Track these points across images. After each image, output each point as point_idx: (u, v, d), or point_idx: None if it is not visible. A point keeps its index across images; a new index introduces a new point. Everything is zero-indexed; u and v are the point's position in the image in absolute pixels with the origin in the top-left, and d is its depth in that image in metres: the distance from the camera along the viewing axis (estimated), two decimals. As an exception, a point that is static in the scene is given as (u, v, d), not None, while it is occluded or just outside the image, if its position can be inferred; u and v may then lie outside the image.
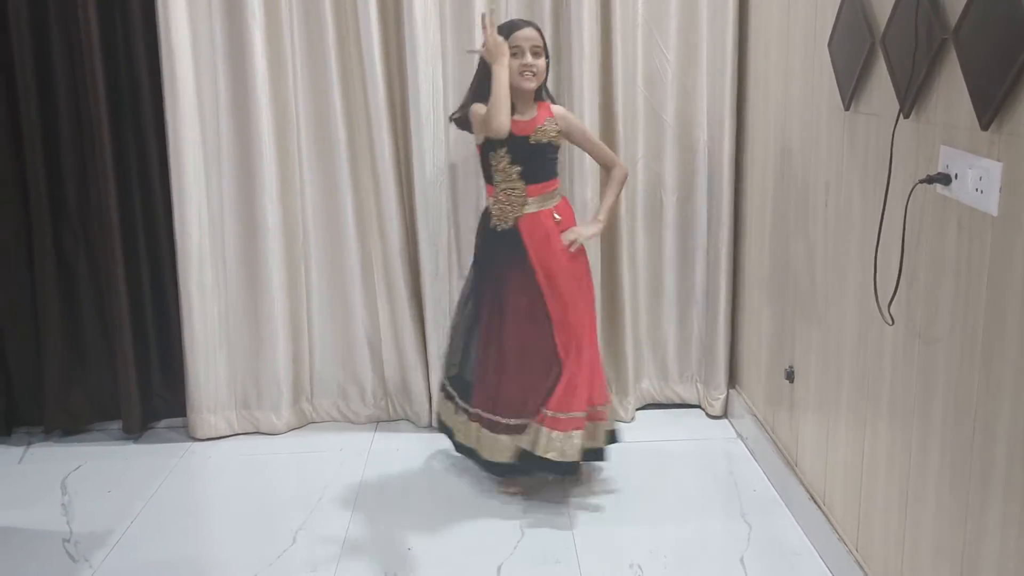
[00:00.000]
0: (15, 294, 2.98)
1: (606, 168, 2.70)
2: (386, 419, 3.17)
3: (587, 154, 2.76)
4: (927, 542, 1.74)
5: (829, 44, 2.13)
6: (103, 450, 2.98)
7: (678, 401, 3.23)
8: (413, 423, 3.13)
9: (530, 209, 2.53)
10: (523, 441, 2.53)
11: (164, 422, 3.15)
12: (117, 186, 2.88)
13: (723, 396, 3.11)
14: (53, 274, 2.94)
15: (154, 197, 2.96)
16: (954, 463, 1.62)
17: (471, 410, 2.62)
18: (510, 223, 2.53)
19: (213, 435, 3.04)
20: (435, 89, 2.88)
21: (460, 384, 2.69)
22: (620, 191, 2.71)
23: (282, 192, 2.96)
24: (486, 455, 2.59)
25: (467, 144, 2.91)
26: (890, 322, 1.80)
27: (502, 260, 2.56)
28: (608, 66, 2.90)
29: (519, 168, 2.50)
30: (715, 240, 3.03)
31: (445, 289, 3.01)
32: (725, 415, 3.12)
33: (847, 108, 2.05)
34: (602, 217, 2.65)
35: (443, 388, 2.77)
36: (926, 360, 1.72)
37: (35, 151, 2.85)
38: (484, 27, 2.40)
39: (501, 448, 2.56)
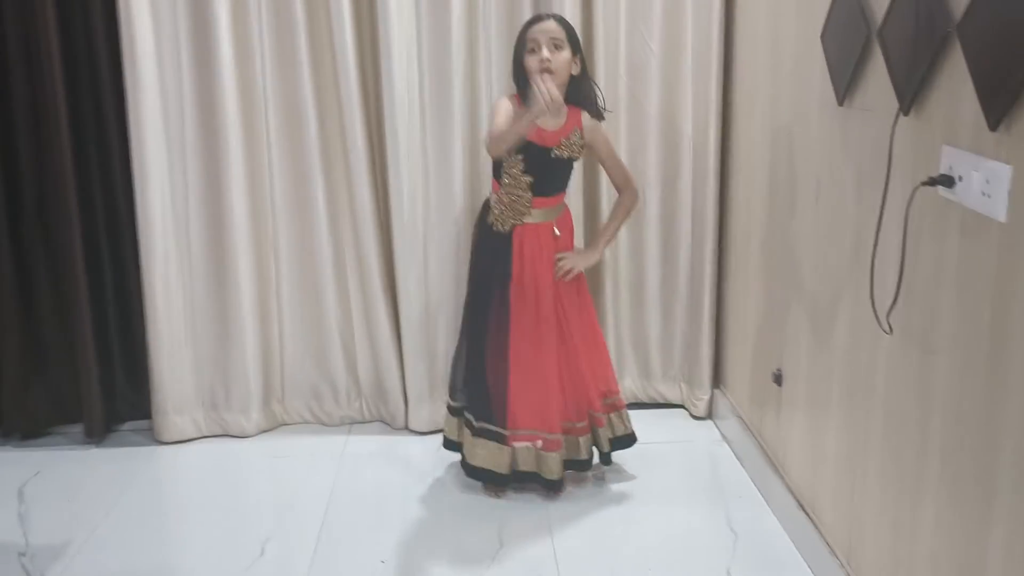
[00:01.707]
0: (-31, 292, 2.84)
1: (617, 189, 2.59)
2: (360, 420, 3.07)
3: (604, 170, 2.66)
4: (923, 558, 1.66)
5: (822, 36, 2.04)
6: (63, 455, 2.86)
7: (661, 401, 3.15)
8: (388, 424, 3.03)
9: (531, 220, 2.44)
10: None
11: (128, 424, 3.03)
12: (76, 179, 2.74)
13: (707, 396, 3.03)
14: (10, 271, 2.81)
15: (115, 189, 2.82)
16: (955, 477, 1.54)
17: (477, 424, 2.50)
18: (507, 228, 2.43)
19: (180, 438, 2.92)
20: (410, 75, 2.76)
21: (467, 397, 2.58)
22: (626, 218, 2.61)
23: (250, 183, 2.84)
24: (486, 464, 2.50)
25: (444, 135, 2.82)
26: (888, 331, 1.71)
27: (492, 261, 2.47)
28: (589, 55, 2.79)
29: (531, 179, 2.40)
30: (700, 235, 2.95)
31: (421, 285, 2.90)
32: (710, 416, 3.04)
33: (841, 103, 1.96)
34: (601, 245, 2.57)
35: (449, 406, 2.65)
36: (924, 370, 1.64)
37: (-12, 142, 2.71)
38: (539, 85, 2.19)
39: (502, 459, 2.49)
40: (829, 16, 1.99)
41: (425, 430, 2.96)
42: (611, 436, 2.61)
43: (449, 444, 2.65)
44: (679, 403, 3.13)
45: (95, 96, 2.76)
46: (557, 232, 2.47)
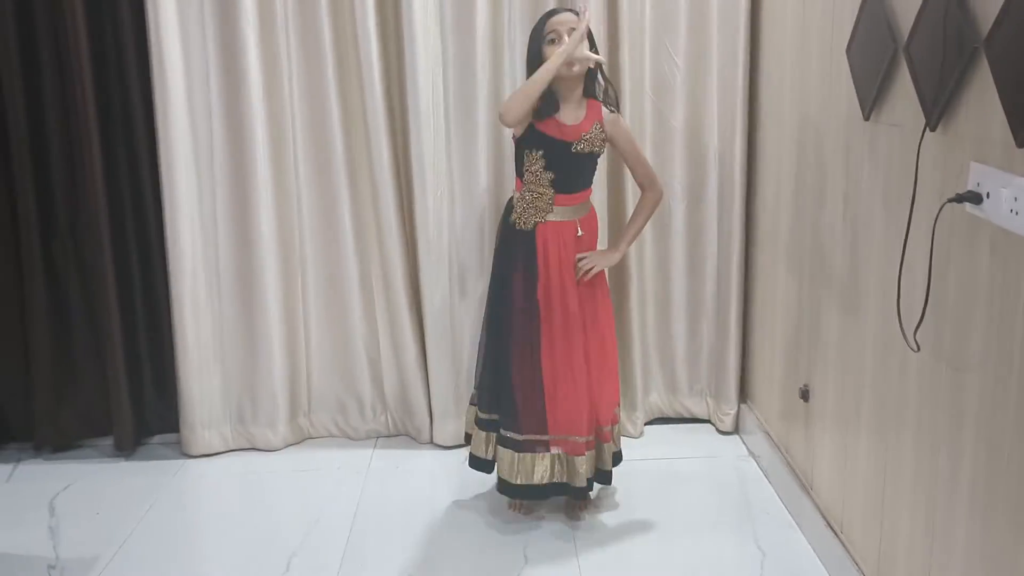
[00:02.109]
0: (3, 309, 2.89)
1: (641, 187, 2.53)
2: (385, 434, 3.08)
3: (627, 167, 2.60)
4: (955, 582, 1.63)
5: (847, 50, 2.02)
6: (94, 468, 2.90)
7: (687, 415, 3.13)
8: (413, 438, 3.04)
9: (553, 217, 2.40)
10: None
11: (157, 438, 3.07)
12: (107, 198, 2.79)
13: (734, 411, 3.01)
14: (42, 288, 2.85)
15: (145, 208, 2.86)
16: (987, 498, 1.52)
17: (508, 434, 2.45)
18: (530, 225, 2.41)
19: (207, 451, 2.95)
20: (435, 95, 2.78)
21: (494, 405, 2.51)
22: (650, 217, 2.55)
23: (277, 202, 2.87)
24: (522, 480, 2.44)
25: (469, 152, 2.84)
26: (916, 349, 1.69)
27: (515, 259, 2.43)
28: (615, 71, 2.80)
29: (552, 175, 2.37)
30: (726, 249, 2.93)
31: (446, 301, 2.91)
32: (736, 431, 3.02)
33: (867, 118, 1.94)
34: (623, 246, 2.52)
35: (477, 418, 2.57)
36: (955, 389, 1.61)
37: (23, 163, 2.75)
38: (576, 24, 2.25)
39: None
40: (855, 31, 1.98)
41: (451, 444, 2.96)
42: (615, 450, 2.56)
43: (476, 463, 2.56)
44: (705, 418, 3.11)
45: (126, 118, 2.80)
46: (580, 232, 2.42)
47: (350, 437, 3.06)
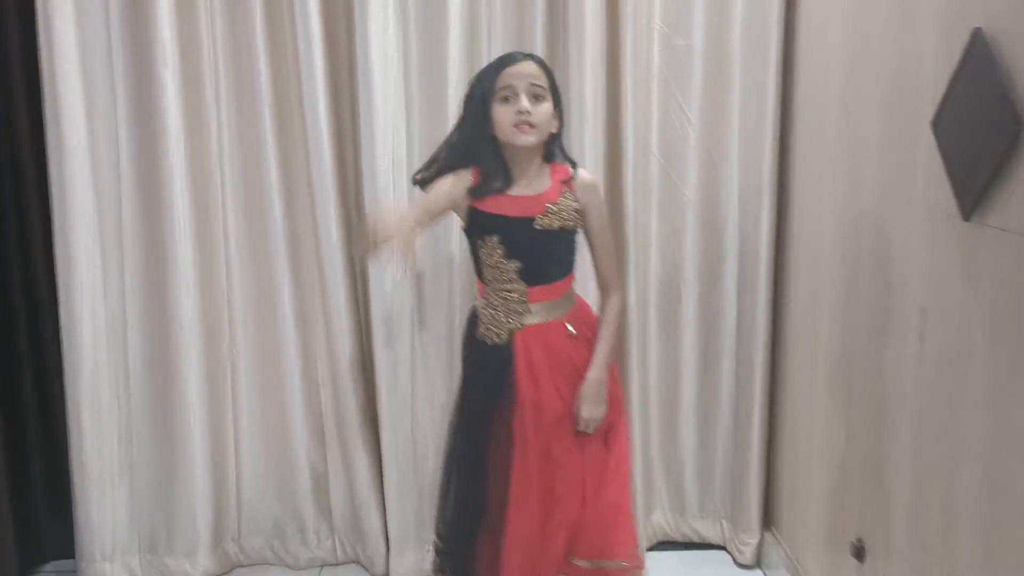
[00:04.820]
0: None
1: (602, 288, 2.00)
2: (332, 563, 2.55)
3: (589, 251, 2.01)
4: None
5: (935, 123, 1.52)
6: (-34, 609, 2.34)
7: (697, 540, 2.61)
8: (365, 568, 2.52)
9: (532, 319, 1.90)
10: None
11: (51, 565, 2.53)
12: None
13: (756, 541, 2.49)
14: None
15: (37, 289, 2.37)
16: None
17: None
18: (504, 336, 1.90)
19: (111, 587, 2.41)
20: (396, 153, 2.30)
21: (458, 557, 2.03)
22: (618, 331, 2.00)
23: (201, 281, 2.37)
24: None
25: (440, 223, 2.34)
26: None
27: (489, 382, 1.93)
28: (615, 127, 2.33)
29: (517, 264, 1.87)
30: (747, 345, 2.44)
31: (406, 403, 2.40)
32: (758, 564, 2.50)
33: (967, 218, 1.44)
34: (602, 373, 1.93)
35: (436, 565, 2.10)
36: None
37: None
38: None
39: None
40: (948, 98, 1.48)
41: (410, 578, 2.44)
42: None
43: None
44: (720, 544, 2.59)
45: (15, 179, 2.32)
46: (571, 330, 1.92)
47: (289, 566, 2.54)
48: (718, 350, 2.49)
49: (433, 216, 1.89)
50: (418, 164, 2.29)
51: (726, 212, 2.42)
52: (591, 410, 1.90)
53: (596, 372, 1.91)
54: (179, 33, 2.23)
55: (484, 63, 2.27)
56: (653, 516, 2.60)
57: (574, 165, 1.95)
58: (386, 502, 2.45)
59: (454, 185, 1.88)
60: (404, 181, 2.31)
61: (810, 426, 2.19)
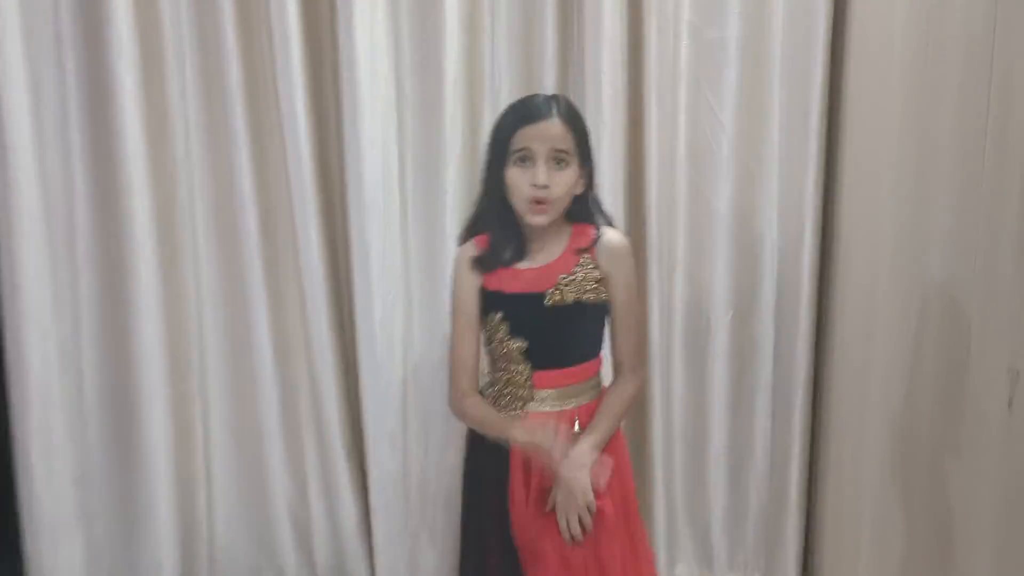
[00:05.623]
0: None
1: (617, 367, 1.69)
2: (315, 615, 2.31)
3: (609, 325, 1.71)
4: None
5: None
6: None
7: (727, 596, 2.35)
8: (353, 623, 2.27)
9: (538, 407, 1.62)
10: None
11: (3, 618, 2.28)
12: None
13: (794, 600, 2.23)
14: None
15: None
16: None
17: None
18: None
19: (66, 647, 2.17)
20: (387, 160, 2.07)
21: None
22: (626, 413, 1.69)
23: (167, 303, 2.12)
24: None
25: (434, 241, 2.14)
26: None
27: (490, 481, 1.66)
28: (637, 132, 2.11)
29: (522, 343, 1.60)
30: (785, 381, 2.21)
31: (398, 442, 2.19)
32: (797, 627, 2.24)
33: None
34: (595, 452, 1.57)
35: None
36: None
37: None
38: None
39: None
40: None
41: (402, 635, 2.22)
42: None
43: None
44: (752, 601, 2.33)
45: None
46: (578, 428, 1.63)
47: (267, 619, 2.30)
48: (752, 387, 2.26)
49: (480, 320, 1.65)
50: (412, 174, 2.13)
51: (763, 230, 2.18)
52: (570, 469, 1.53)
53: (584, 444, 1.57)
54: (136, 17, 1.97)
55: (486, 61, 2.12)
56: (676, 569, 2.36)
57: (601, 225, 1.65)
58: (374, 551, 2.23)
59: (469, 277, 1.64)
60: (395, 193, 2.08)
61: (859, 469, 1.90)
